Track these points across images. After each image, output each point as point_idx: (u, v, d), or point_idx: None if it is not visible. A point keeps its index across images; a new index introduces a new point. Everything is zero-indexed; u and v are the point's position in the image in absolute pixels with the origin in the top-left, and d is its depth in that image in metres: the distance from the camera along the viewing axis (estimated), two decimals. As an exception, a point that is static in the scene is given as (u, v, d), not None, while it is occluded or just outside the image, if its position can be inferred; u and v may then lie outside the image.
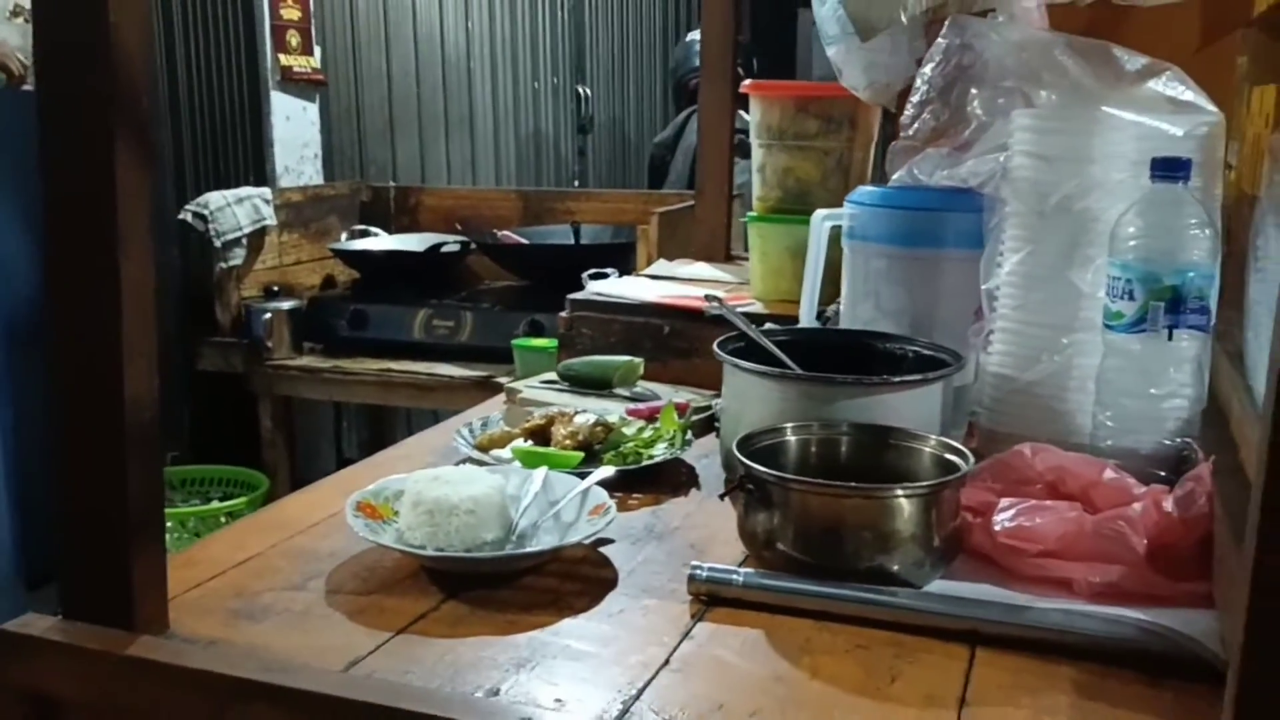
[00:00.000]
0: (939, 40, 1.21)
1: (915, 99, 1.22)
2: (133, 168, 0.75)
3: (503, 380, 2.43)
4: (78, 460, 0.79)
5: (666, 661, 0.80)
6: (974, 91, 1.19)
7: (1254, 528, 0.52)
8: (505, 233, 3.30)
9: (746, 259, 1.99)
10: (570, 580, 0.94)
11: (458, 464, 1.14)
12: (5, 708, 0.81)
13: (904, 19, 1.36)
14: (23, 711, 0.81)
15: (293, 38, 3.39)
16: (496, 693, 0.76)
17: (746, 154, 2.32)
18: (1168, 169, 1.01)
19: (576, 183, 5.03)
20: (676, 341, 1.58)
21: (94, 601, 0.80)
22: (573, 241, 3.22)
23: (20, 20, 2.99)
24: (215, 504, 2.93)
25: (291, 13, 3.39)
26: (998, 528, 0.93)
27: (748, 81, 1.72)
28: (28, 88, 2.72)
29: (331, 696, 0.73)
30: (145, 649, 0.78)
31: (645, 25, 5.69)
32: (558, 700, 0.75)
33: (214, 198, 3.03)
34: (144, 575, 0.80)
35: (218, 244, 3.02)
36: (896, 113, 1.39)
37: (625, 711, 0.74)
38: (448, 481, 0.99)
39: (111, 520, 0.78)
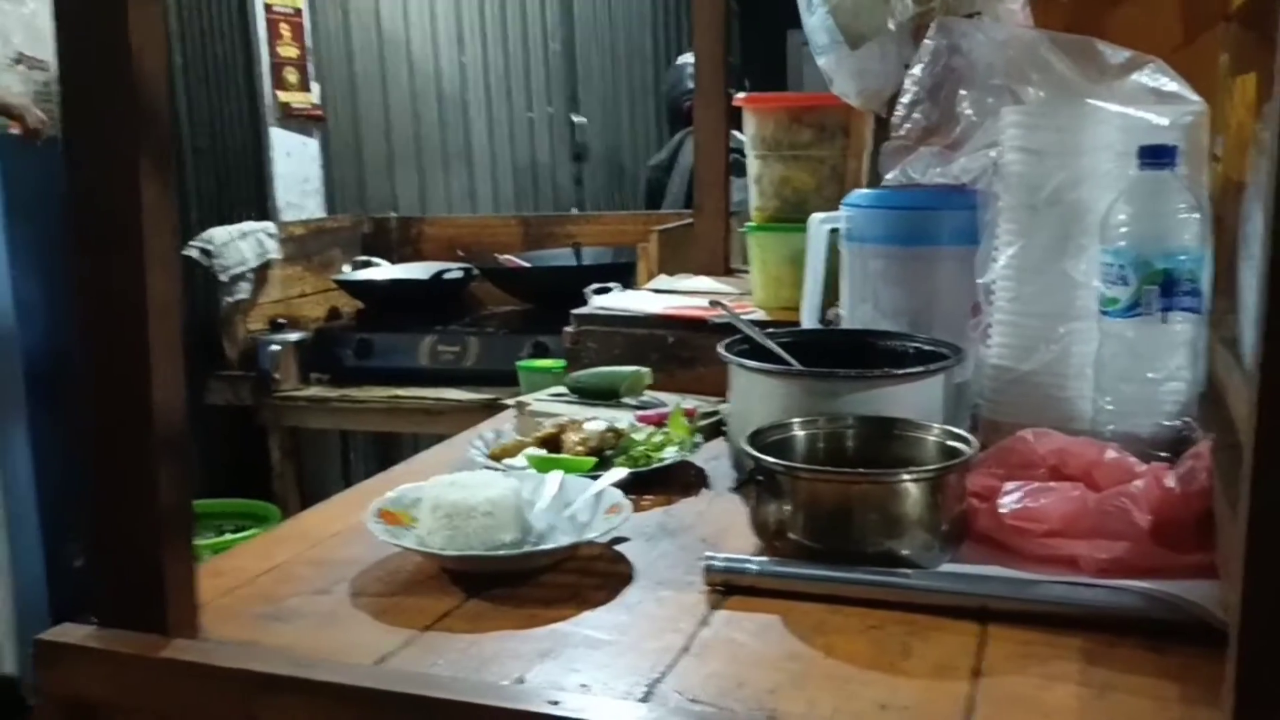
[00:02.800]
0: (926, 42, 1.25)
1: (905, 100, 1.25)
2: (155, 180, 0.78)
3: (509, 402, 2.46)
4: (108, 468, 0.81)
5: (686, 647, 0.82)
6: (962, 91, 1.22)
7: (1247, 475, 0.54)
8: (507, 257, 3.34)
9: (746, 272, 2.02)
10: (588, 576, 0.96)
11: (473, 472, 1.16)
12: (46, 715, 0.83)
13: (892, 26, 1.39)
14: (62, 718, 0.83)
15: (291, 74, 3.44)
16: (522, 680, 0.78)
17: (742, 173, 2.36)
18: (1154, 156, 1.04)
19: (574, 210, 5.07)
20: (681, 351, 1.61)
21: (127, 607, 0.82)
22: (574, 263, 3.25)
23: (22, 68, 3.04)
24: (228, 536, 2.95)
25: (289, 50, 3.44)
26: (1003, 510, 0.95)
27: (741, 95, 1.76)
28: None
29: (363, 688, 0.75)
30: (178, 651, 0.81)
31: (636, 52, 5.75)
32: (582, 685, 0.77)
33: (218, 233, 3.07)
34: (175, 579, 0.82)
35: (224, 279, 3.05)
36: (888, 118, 1.42)
37: (649, 693, 0.76)
38: (465, 486, 1.01)
39: (142, 526, 0.81)
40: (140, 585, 0.82)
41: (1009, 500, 0.96)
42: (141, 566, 0.81)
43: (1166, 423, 1.08)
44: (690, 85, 3.24)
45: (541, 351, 2.80)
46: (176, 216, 0.82)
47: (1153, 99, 1.16)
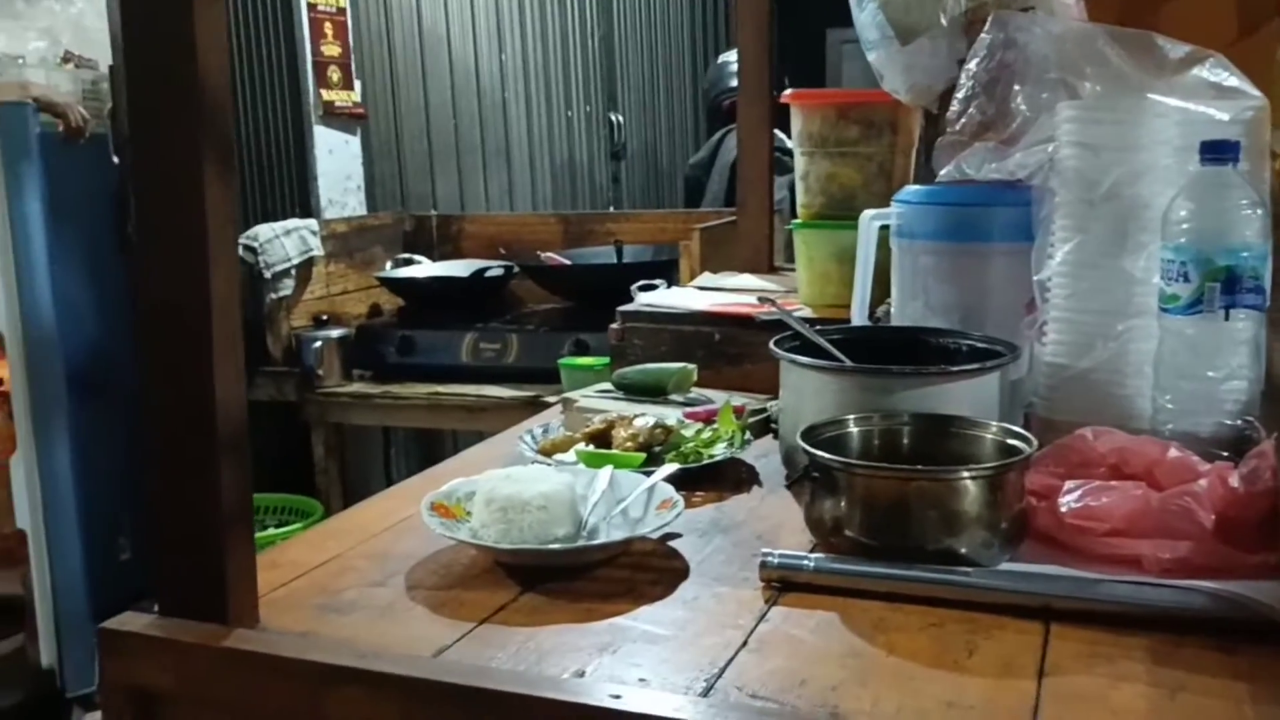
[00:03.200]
0: (983, 36, 1.23)
1: (960, 95, 1.24)
2: (218, 180, 0.79)
3: (550, 399, 2.46)
4: (172, 462, 0.82)
5: (745, 642, 0.82)
6: (1017, 86, 1.21)
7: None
8: (549, 254, 3.35)
9: (789, 269, 2.01)
10: (642, 571, 0.96)
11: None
12: (110, 702, 0.84)
13: (943, 21, 1.38)
14: (126, 705, 0.84)
15: (334, 73, 3.46)
16: (582, 674, 0.78)
17: (783, 171, 2.36)
18: (1216, 151, 1.03)
19: (612, 208, 5.08)
20: (728, 348, 1.61)
21: (189, 598, 0.83)
22: (615, 261, 3.25)
23: (70, 67, 3.08)
24: (271, 531, 2.98)
25: (332, 49, 3.47)
26: (1064, 509, 0.94)
27: (789, 91, 1.75)
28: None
29: (427, 680, 0.76)
30: (240, 641, 0.81)
31: (675, 51, 5.74)
32: (642, 680, 0.77)
33: (263, 230, 3.10)
34: (237, 571, 0.83)
35: (268, 275, 3.08)
36: (938, 114, 1.41)
37: (709, 688, 0.75)
38: (519, 480, 1.01)
39: (205, 518, 0.81)
40: (202, 577, 0.82)
41: (1069, 499, 0.95)
42: (204, 559, 0.82)
43: (1228, 421, 1.06)
44: (731, 83, 3.24)
45: (582, 349, 2.80)
46: (235, 215, 0.83)
47: (1212, 94, 1.14)
